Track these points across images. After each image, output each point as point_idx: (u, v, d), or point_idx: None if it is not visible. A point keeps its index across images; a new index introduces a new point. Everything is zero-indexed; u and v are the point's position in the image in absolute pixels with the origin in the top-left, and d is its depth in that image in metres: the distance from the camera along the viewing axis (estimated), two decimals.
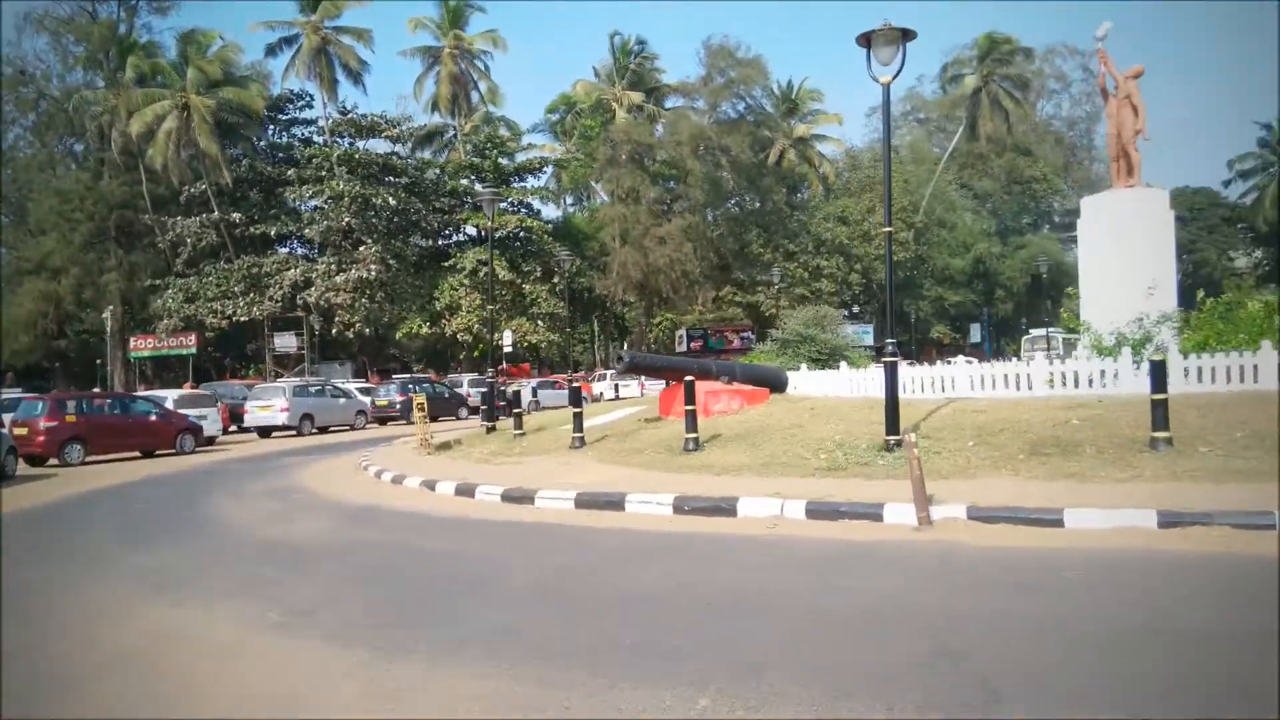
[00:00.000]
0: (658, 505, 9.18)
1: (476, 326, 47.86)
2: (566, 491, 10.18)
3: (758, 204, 50.12)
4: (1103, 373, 14.64)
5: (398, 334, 51.25)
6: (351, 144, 48.21)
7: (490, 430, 18.46)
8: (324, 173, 46.49)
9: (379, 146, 49.88)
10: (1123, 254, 18.88)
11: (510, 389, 25.40)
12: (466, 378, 43.74)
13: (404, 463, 15.02)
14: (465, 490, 11.33)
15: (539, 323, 49.68)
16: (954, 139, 59.17)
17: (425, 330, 49.11)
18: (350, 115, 48.26)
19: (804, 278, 49.76)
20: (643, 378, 41.02)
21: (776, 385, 15.26)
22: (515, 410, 16.75)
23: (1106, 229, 19.57)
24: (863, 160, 56.75)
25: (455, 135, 56.87)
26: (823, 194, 53.17)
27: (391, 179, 48.00)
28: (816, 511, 8.19)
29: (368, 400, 35.16)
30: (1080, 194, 69.95)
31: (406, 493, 12.15)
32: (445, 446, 16.80)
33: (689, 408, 11.87)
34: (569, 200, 61.42)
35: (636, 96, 48.56)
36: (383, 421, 35.19)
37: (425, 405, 16.92)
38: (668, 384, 19.41)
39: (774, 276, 45.72)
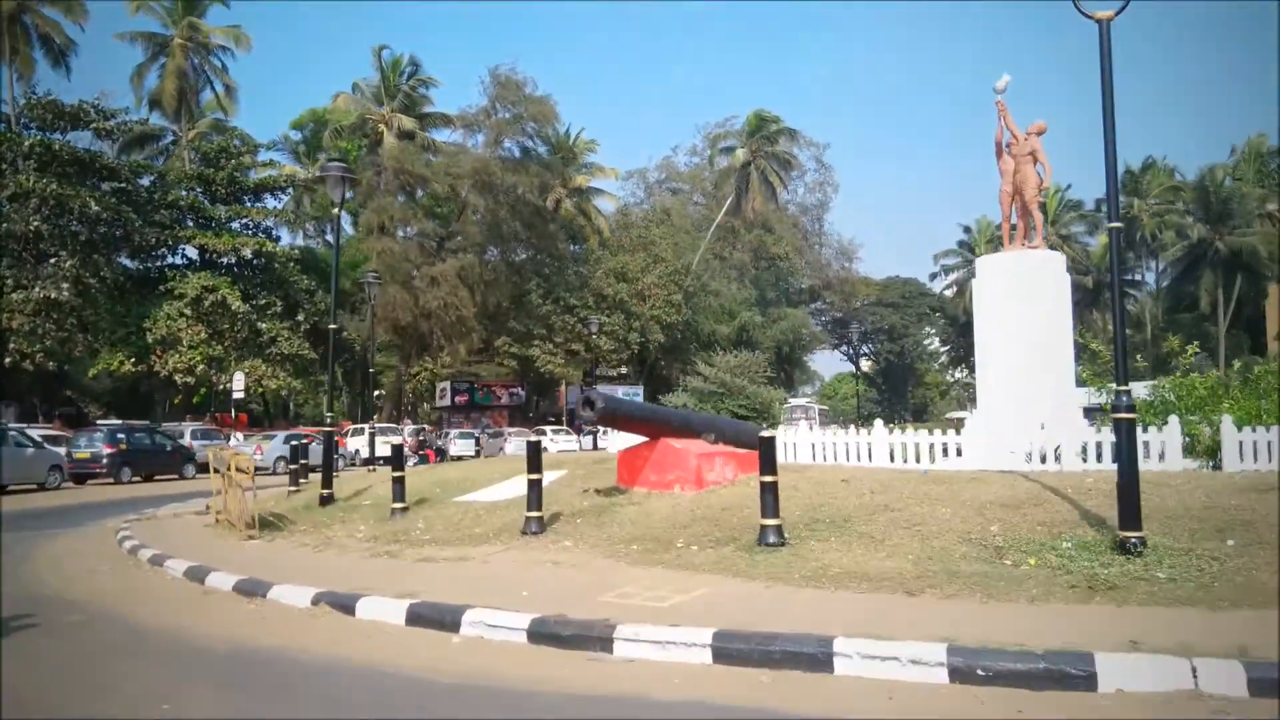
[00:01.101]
0: (917, 666, 5.00)
1: (200, 366, 39.82)
2: (675, 630, 5.58)
3: (536, 252, 46.66)
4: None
5: (90, 370, 41.57)
6: (44, 134, 38.74)
7: (324, 501, 13.23)
8: (4, 166, 36.88)
9: (79, 141, 40.68)
10: (1023, 316, 17.83)
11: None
12: (189, 427, 35.92)
13: (235, 555, 9.73)
14: (431, 616, 6.58)
15: (278, 366, 42.46)
16: (723, 207, 59.76)
17: (128, 368, 40.06)
18: (46, 98, 38.86)
19: (582, 333, 46.87)
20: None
21: (753, 447, 11.78)
22: (396, 473, 11.61)
23: (1006, 290, 18.48)
24: (634, 218, 55.47)
25: (175, 141, 48.36)
26: (598, 248, 50.92)
27: (96, 181, 39.15)
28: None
29: (61, 451, 27.13)
30: (812, 275, 74.59)
31: (301, 619, 7.06)
32: (267, 525, 11.46)
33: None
34: (309, 229, 54.30)
35: (409, 121, 43.58)
36: (81, 479, 27.40)
37: (243, 465, 11.29)
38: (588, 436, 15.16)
39: (591, 326, 42.25)
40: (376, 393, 61.76)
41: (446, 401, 48.95)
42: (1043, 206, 19.69)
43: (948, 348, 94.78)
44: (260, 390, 42.85)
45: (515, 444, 43.32)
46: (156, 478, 29.18)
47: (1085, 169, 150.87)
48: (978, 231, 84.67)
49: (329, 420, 16.94)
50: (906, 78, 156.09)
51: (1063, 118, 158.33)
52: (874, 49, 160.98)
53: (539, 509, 9.18)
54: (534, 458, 9.12)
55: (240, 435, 35.62)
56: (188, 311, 39.98)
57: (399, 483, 11.28)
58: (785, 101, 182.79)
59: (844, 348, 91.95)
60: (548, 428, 47.19)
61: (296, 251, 45.72)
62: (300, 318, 43.70)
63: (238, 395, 39.69)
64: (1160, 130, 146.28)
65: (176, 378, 40.14)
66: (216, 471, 12.45)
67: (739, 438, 10.79)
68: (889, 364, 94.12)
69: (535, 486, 9.13)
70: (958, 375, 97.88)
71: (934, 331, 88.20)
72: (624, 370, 51.23)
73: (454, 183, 41.90)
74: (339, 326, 46.13)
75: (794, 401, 56.53)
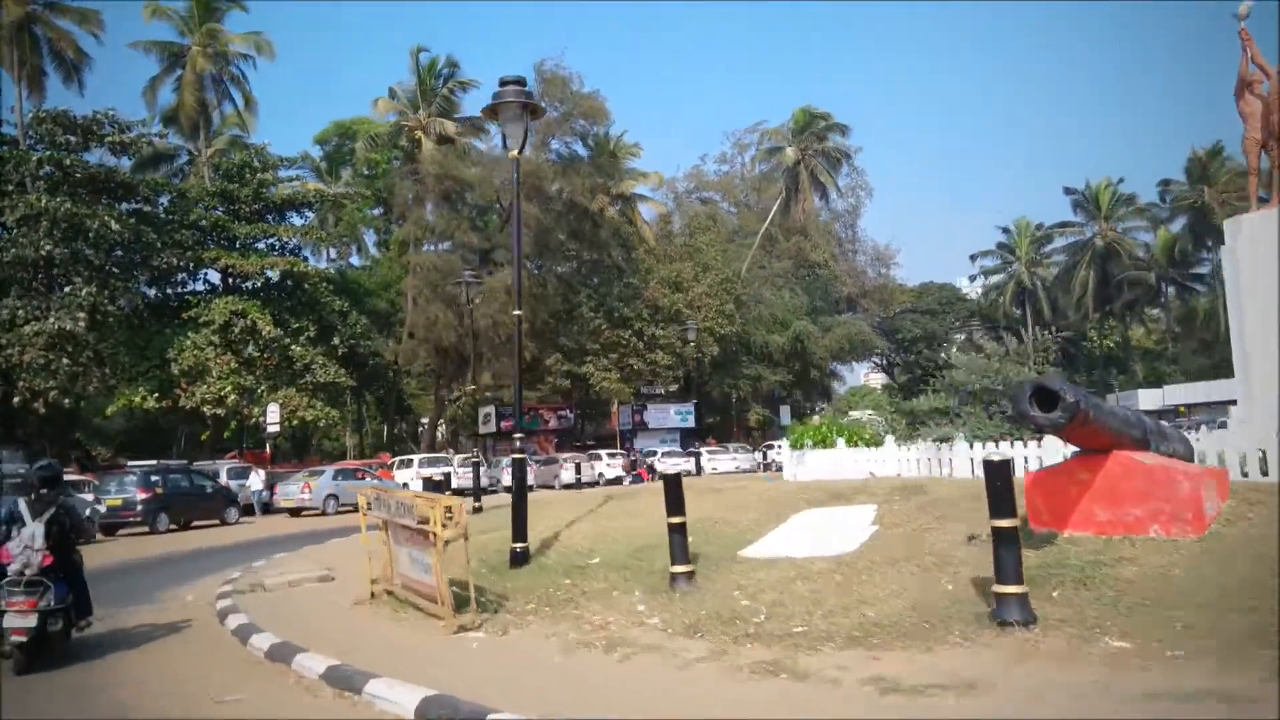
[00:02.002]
0: None
1: (232, 397, 36.21)
2: None
3: (587, 261, 43.22)
4: None
5: (109, 408, 37.96)
6: (55, 151, 35.29)
7: (518, 560, 9.56)
8: (11, 186, 33.49)
9: (91, 158, 37.28)
10: None
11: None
12: (225, 465, 32.34)
13: (473, 666, 6.08)
14: None
15: (312, 395, 38.86)
16: (767, 212, 56.47)
17: (150, 403, 36.46)
18: (56, 111, 35.43)
19: (638, 348, 43.36)
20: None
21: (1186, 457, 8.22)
22: (675, 518, 7.65)
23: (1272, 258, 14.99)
24: (677, 225, 52.15)
25: (191, 160, 45.00)
26: (647, 256, 47.51)
27: (112, 201, 35.75)
28: None
29: (89, 498, 23.60)
30: (849, 283, 71.21)
31: None
32: (465, 601, 7.78)
33: None
34: (332, 251, 50.81)
35: (450, 126, 40.20)
36: (111, 530, 23.98)
37: (452, 513, 7.27)
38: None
39: (689, 333, 38.45)
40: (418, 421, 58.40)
41: (491, 427, 45.29)
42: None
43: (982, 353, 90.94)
44: (294, 422, 39.18)
45: (571, 470, 39.79)
46: (195, 524, 25.59)
47: (1136, 160, 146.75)
48: (1017, 233, 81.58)
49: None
50: (936, 79, 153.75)
51: (1107, 111, 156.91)
52: (902, 50, 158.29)
53: (1017, 580, 5.46)
54: (1001, 490, 5.42)
55: (261, 473, 32.04)
56: (216, 339, 36.48)
57: (679, 534, 7.56)
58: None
59: (876, 357, 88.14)
60: (603, 452, 43.60)
61: (332, 271, 42.21)
62: (335, 342, 40.12)
63: (272, 428, 36.15)
64: (1211, 116, 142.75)
65: (205, 410, 36.48)
66: (373, 523, 8.82)
67: (1175, 448, 7.26)
68: (923, 372, 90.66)
69: (1008, 542, 5.41)
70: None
71: (973, 337, 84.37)
72: (674, 387, 47.65)
73: (499, 190, 38.43)
74: (373, 351, 43.65)
75: (854, 414, 52.93)
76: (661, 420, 49.90)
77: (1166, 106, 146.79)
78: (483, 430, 46.46)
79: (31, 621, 7.00)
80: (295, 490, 29.79)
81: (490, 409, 45.75)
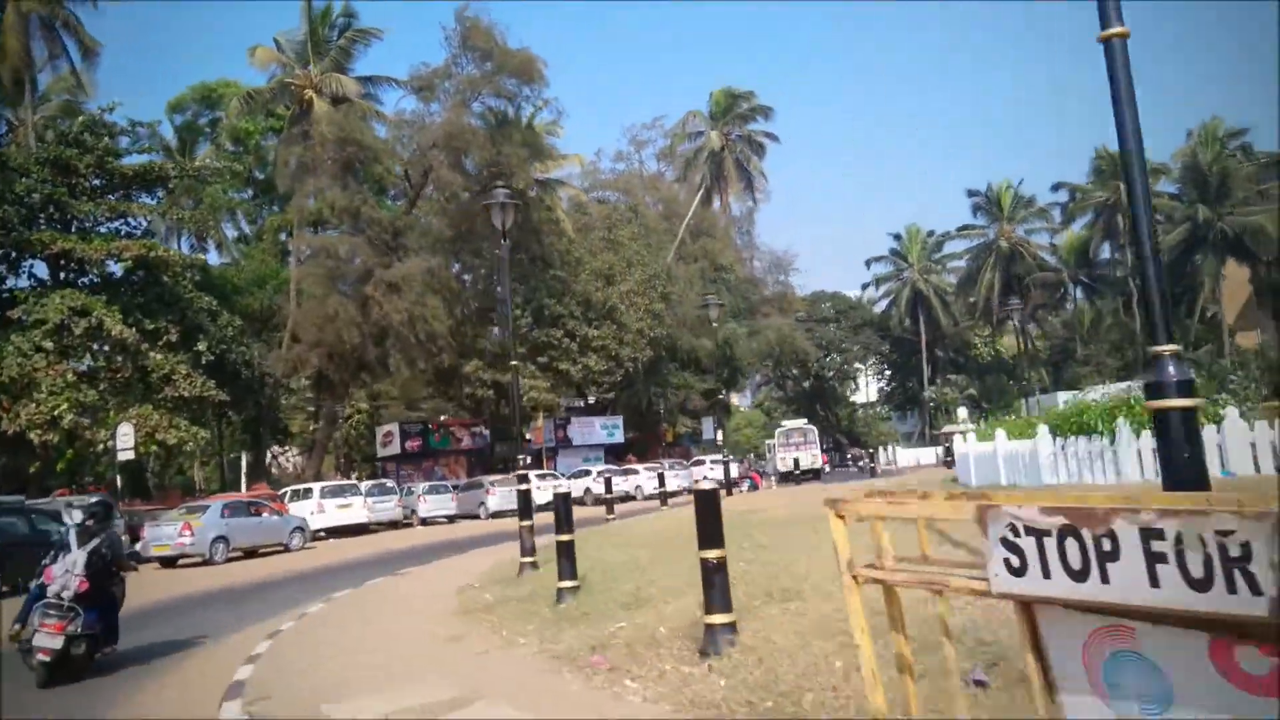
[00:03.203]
0: None
1: (68, 417, 28.27)
2: None
3: (516, 248, 37.11)
4: None
5: None
6: None
7: None
8: None
9: None
10: None
11: None
12: (66, 502, 24.60)
13: None
14: None
15: (175, 412, 31.27)
16: (694, 203, 52.04)
17: None
18: None
19: (570, 350, 37.80)
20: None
21: None
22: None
23: None
24: (595, 216, 46.96)
25: (11, 128, 36.28)
26: (571, 246, 41.97)
27: None
28: None
29: None
30: (749, 290, 67.81)
31: None
32: None
33: None
34: (190, 240, 42.38)
35: (350, 84, 33.36)
36: None
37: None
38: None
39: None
40: (281, 451, 50.25)
41: (394, 448, 38.53)
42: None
43: (872, 361, 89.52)
44: (151, 446, 31.40)
45: (501, 496, 33.79)
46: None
47: (1035, 162, 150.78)
48: (908, 239, 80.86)
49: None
50: (827, 78, 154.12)
51: (1002, 109, 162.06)
52: (790, 48, 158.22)
53: None
54: None
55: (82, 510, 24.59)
56: (48, 344, 28.49)
57: None
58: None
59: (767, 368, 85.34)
60: (532, 474, 37.64)
61: (201, 259, 34.55)
62: (202, 347, 32.60)
63: (125, 454, 28.58)
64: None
65: (33, 436, 28.36)
66: None
67: None
68: (814, 384, 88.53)
69: None
70: (878, 387, 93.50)
71: (868, 346, 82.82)
72: (609, 394, 42.29)
73: (410, 160, 32.12)
74: (246, 359, 35.99)
75: (787, 424, 49.13)
76: (587, 435, 44.40)
77: (1069, 107, 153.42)
78: (383, 453, 39.59)
79: (58, 644, 7.74)
80: (171, 532, 22.66)
81: (393, 427, 38.99)
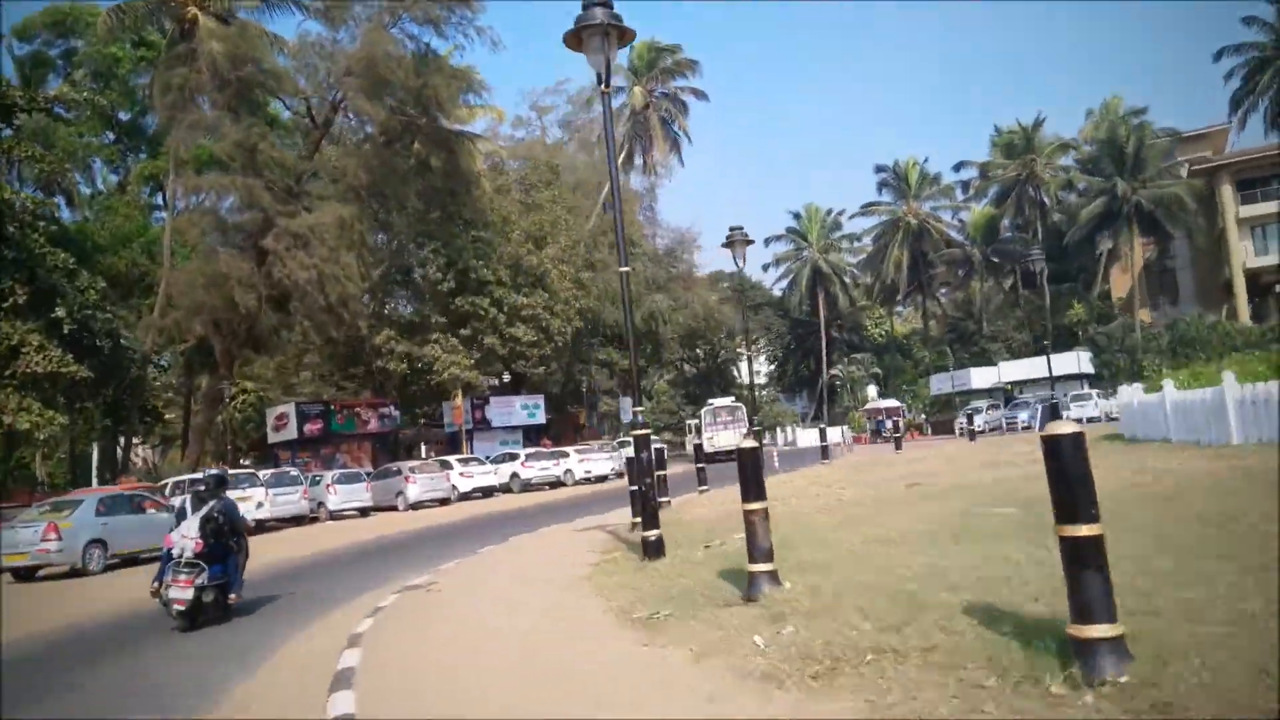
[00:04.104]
0: None
1: None
2: None
3: (440, 201, 32.44)
4: None
5: None
6: None
7: None
8: None
9: None
10: None
11: None
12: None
13: None
14: None
15: (26, 393, 25.55)
16: (618, 165, 48.14)
17: None
18: None
19: (498, 321, 33.65)
20: None
21: None
22: None
23: None
24: (511, 177, 42.83)
25: None
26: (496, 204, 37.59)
27: None
28: None
29: None
30: (654, 267, 64.81)
31: None
32: None
33: None
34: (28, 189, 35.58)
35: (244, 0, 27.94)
36: None
37: None
38: None
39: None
40: (140, 442, 43.90)
41: (290, 433, 33.46)
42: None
43: (763, 343, 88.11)
44: None
45: (423, 484, 29.62)
46: None
47: (940, 138, 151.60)
48: (807, 218, 79.75)
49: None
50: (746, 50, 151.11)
51: (902, 87, 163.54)
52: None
53: None
54: None
55: None
56: None
57: None
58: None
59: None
60: (453, 458, 33.47)
61: (54, 206, 28.54)
62: (60, 314, 26.85)
63: None
64: (1017, 96, 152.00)
65: None
66: None
67: None
68: (709, 365, 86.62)
69: None
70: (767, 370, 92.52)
71: (768, 327, 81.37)
72: (539, 369, 38.21)
73: (326, 88, 27.23)
74: (111, 328, 30.06)
75: (716, 402, 46.28)
76: (506, 416, 40.25)
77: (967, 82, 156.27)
78: (276, 438, 34.36)
79: (188, 594, 9.18)
80: (31, 537, 17.68)
81: (288, 408, 33.86)
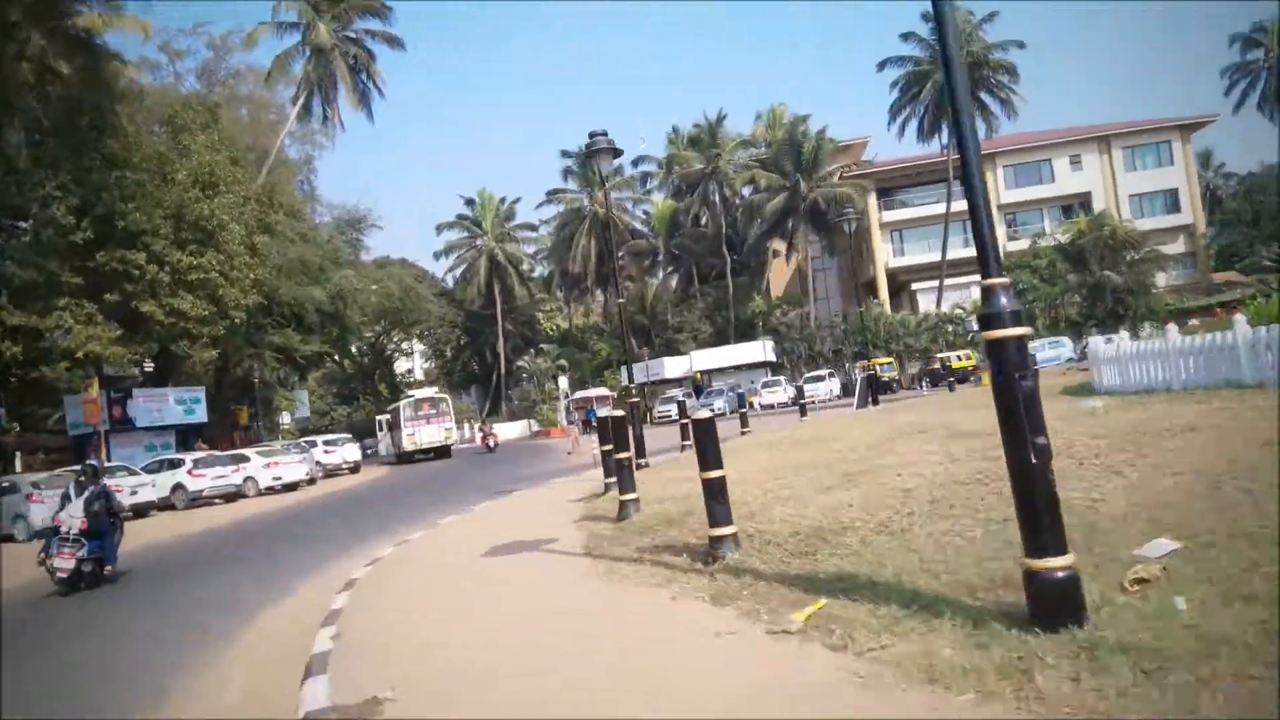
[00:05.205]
0: None
1: None
2: None
3: (61, 127, 23.59)
4: None
5: None
6: None
7: None
8: None
9: None
10: None
11: None
12: None
13: None
14: None
15: None
16: (292, 115, 40.35)
17: None
18: None
19: (161, 283, 25.79)
20: None
21: None
22: None
23: None
24: (156, 114, 34.38)
25: None
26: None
27: None
28: None
29: None
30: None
31: None
32: None
33: None
34: None
35: None
36: None
37: None
38: None
39: None
40: None
41: None
42: None
43: (427, 336, 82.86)
44: None
45: (52, 508, 21.62)
46: None
47: (620, 133, 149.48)
48: (481, 204, 75.73)
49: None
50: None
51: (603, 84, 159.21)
52: None
53: None
54: None
55: None
56: None
57: None
58: None
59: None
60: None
61: None
62: None
63: None
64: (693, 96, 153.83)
65: None
66: None
67: None
68: (372, 359, 79.31)
69: None
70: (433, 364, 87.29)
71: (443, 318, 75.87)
72: (209, 354, 30.32)
73: None
74: None
75: (417, 394, 40.72)
76: (155, 415, 31.74)
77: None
78: None
79: (70, 564, 11.18)
80: None
81: None
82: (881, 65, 52.90)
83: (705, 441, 6.59)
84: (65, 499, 11.45)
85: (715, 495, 6.55)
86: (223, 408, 38.50)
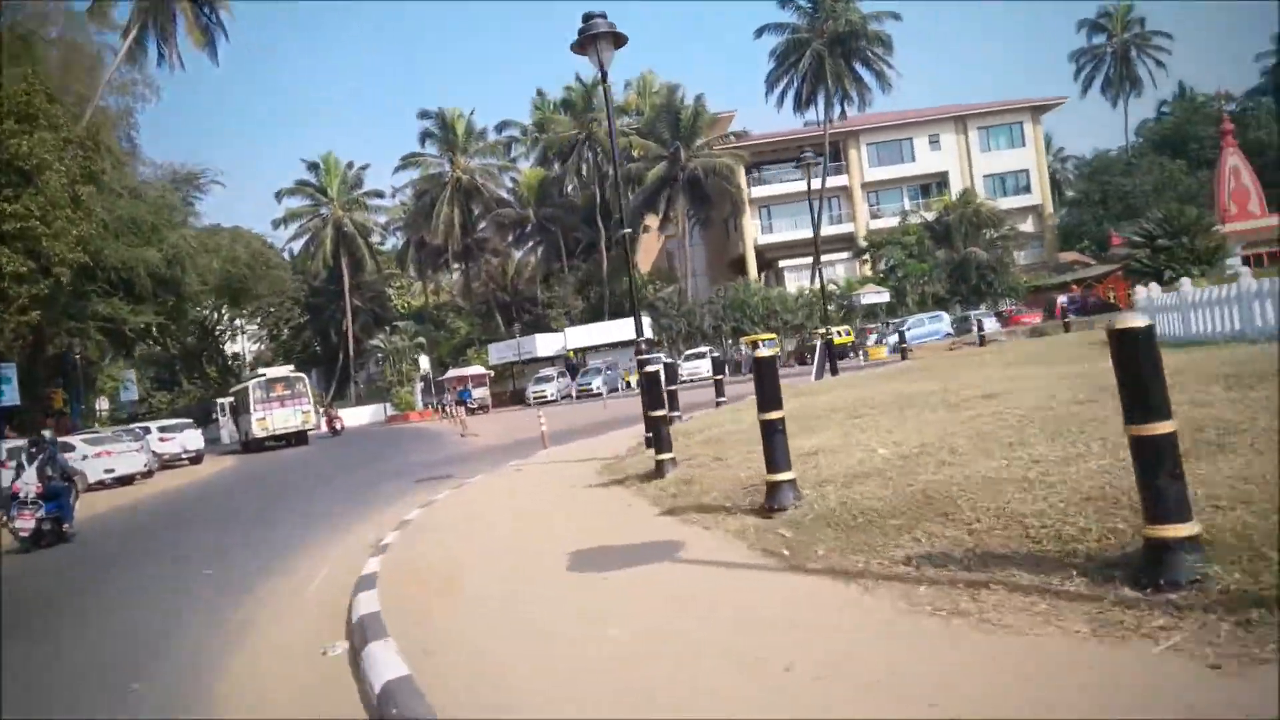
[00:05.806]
0: None
1: None
2: None
3: None
4: None
5: None
6: None
7: None
8: None
9: None
10: None
11: None
12: None
13: None
14: None
15: None
16: (120, 53, 34.47)
17: None
18: None
19: None
20: None
21: None
22: None
23: None
24: None
25: None
26: None
27: None
28: None
29: None
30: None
31: None
32: None
33: None
34: None
35: None
36: None
37: None
38: None
39: None
40: None
41: None
42: None
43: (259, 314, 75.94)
44: None
45: None
46: None
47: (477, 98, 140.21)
48: (326, 170, 69.93)
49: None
50: None
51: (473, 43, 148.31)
52: None
53: None
54: None
55: None
56: None
57: None
58: None
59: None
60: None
61: None
62: None
63: None
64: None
65: None
66: None
67: None
68: (199, 338, 71.80)
69: None
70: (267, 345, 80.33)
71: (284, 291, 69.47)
72: (28, 316, 25.10)
73: None
74: None
75: (269, 372, 36.16)
76: None
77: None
78: None
79: (30, 525, 12.18)
80: None
81: None
82: (759, 32, 51.97)
83: (766, 382, 6.48)
84: (19, 469, 12.33)
85: (773, 437, 6.26)
86: (34, 389, 32.78)
